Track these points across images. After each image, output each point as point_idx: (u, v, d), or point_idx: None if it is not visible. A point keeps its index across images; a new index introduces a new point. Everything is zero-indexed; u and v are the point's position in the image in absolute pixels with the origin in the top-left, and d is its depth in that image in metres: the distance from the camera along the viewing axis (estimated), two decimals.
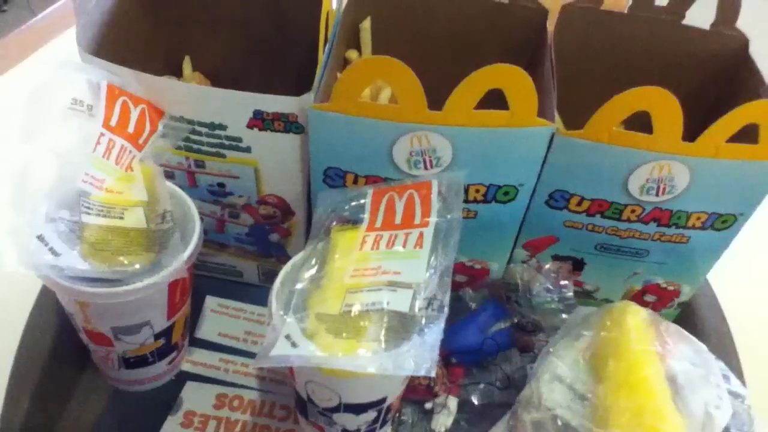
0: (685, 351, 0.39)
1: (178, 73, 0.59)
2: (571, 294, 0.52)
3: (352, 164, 0.46)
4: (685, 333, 0.41)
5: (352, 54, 0.55)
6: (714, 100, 0.53)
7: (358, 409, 0.43)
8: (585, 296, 0.55)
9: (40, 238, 0.39)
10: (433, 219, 0.41)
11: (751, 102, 0.41)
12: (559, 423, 0.36)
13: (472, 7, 0.54)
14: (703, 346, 0.40)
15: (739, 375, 0.52)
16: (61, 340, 0.51)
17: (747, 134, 0.42)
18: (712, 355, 0.40)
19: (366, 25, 0.55)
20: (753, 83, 0.50)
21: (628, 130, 0.43)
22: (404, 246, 0.41)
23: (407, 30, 0.55)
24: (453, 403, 0.51)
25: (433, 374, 0.34)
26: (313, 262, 0.43)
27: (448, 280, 0.39)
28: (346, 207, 0.45)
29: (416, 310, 0.38)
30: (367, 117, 0.43)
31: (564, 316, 0.49)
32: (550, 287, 0.52)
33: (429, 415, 0.51)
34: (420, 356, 0.35)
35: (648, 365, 0.36)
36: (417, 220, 0.42)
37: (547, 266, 0.52)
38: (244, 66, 0.59)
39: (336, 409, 0.43)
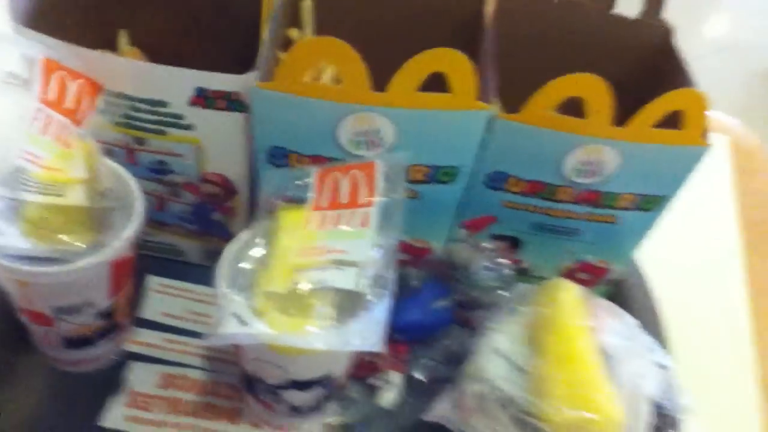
0: (614, 325, 0.41)
1: (112, 48, 0.57)
2: (508, 272, 0.54)
3: (296, 144, 0.47)
4: (616, 308, 0.44)
5: (293, 32, 0.55)
6: (641, 87, 0.55)
7: (305, 385, 0.44)
8: (522, 274, 0.57)
9: None
10: (377, 199, 0.42)
11: (675, 90, 0.44)
12: (499, 394, 0.37)
13: None
14: (632, 320, 0.43)
15: (666, 348, 0.56)
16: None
17: (673, 120, 0.45)
18: (640, 329, 0.43)
19: (307, 3, 0.55)
20: (676, 71, 0.52)
21: (564, 115, 0.45)
22: (349, 225, 0.42)
23: (350, 10, 0.55)
24: (398, 378, 0.52)
25: (381, 349, 0.35)
26: (259, 241, 0.44)
27: (393, 258, 0.40)
28: (292, 187, 0.45)
29: (362, 287, 0.39)
30: (312, 97, 0.43)
31: (502, 293, 0.51)
32: (489, 265, 0.54)
33: (375, 391, 0.52)
34: (367, 332, 0.36)
35: (581, 339, 0.39)
36: (362, 200, 0.43)
37: (486, 245, 0.54)
38: (182, 43, 0.57)
39: (283, 386, 0.44)
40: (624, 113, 0.45)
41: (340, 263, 0.40)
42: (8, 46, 0.42)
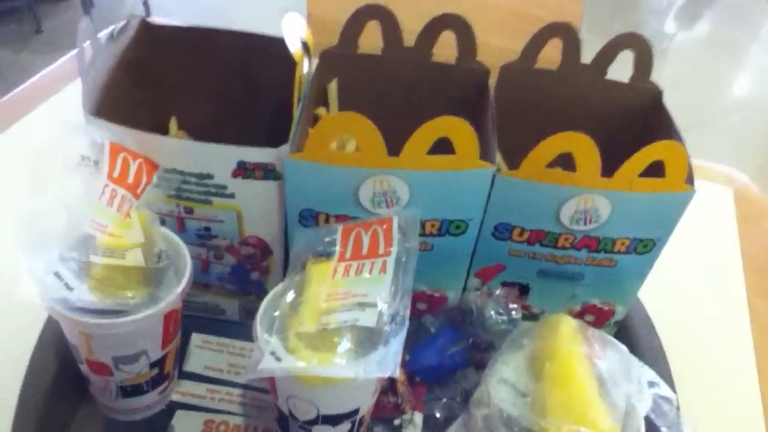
0: (608, 352, 0.46)
1: (163, 132, 0.65)
2: (519, 316, 0.59)
3: (323, 205, 0.53)
4: (608, 337, 0.48)
5: (321, 111, 0.63)
6: (634, 143, 0.61)
7: (334, 420, 0.49)
8: (532, 318, 0.62)
9: (57, 274, 0.44)
10: (394, 249, 0.48)
11: (656, 142, 0.50)
12: (505, 415, 0.42)
13: (424, 68, 0.62)
14: (623, 348, 0.48)
15: (670, 382, 0.59)
16: (60, 374, 0.55)
17: (660, 169, 0.51)
18: (632, 356, 0.47)
19: (333, 86, 0.63)
20: (665, 127, 0.58)
21: (560, 169, 0.51)
22: (370, 272, 0.48)
23: (369, 89, 0.63)
24: (419, 418, 0.57)
25: (397, 375, 0.41)
26: (292, 291, 0.50)
27: (408, 299, 0.45)
28: (320, 243, 0.52)
29: (382, 324, 0.44)
30: (336, 164, 0.50)
31: (513, 331, 0.56)
32: (501, 311, 0.59)
33: (397, 430, 0.56)
34: (385, 361, 0.42)
35: (577, 363, 0.43)
36: (381, 251, 0.49)
37: (497, 292, 0.59)
38: (220, 125, 0.66)
39: (315, 421, 0.49)
40: (619, 166, 0.50)
41: (362, 305, 0.45)
42: (81, 133, 0.50)
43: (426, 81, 0.63)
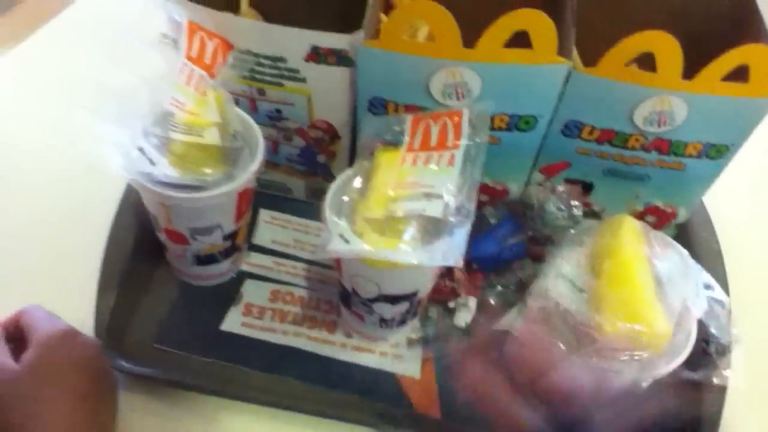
0: (669, 254, 0.47)
1: (235, 10, 0.65)
2: (580, 213, 0.59)
3: (393, 94, 0.54)
4: (670, 240, 0.49)
5: None
6: (720, 45, 0.59)
7: (394, 299, 0.52)
8: (593, 216, 0.62)
9: (141, 149, 0.47)
10: (463, 142, 0.49)
11: (742, 46, 0.47)
12: (561, 308, 0.44)
13: None
14: (684, 251, 0.48)
15: (725, 286, 0.60)
16: (140, 239, 0.60)
17: (743, 74, 0.49)
18: (692, 259, 0.48)
19: None
20: (755, 30, 0.55)
21: (638, 68, 0.50)
22: (438, 164, 0.48)
23: None
24: (473, 302, 0.59)
25: (460, 265, 0.43)
26: (360, 177, 0.51)
27: (475, 193, 0.47)
28: (389, 131, 0.52)
29: (447, 216, 0.46)
30: (409, 53, 0.50)
31: (572, 231, 0.57)
32: (562, 207, 0.59)
33: (452, 312, 0.59)
34: (449, 251, 0.44)
35: (635, 263, 0.44)
36: (449, 143, 0.49)
37: (560, 188, 0.60)
38: (293, 5, 0.65)
39: (376, 300, 0.52)
40: (702, 67, 0.48)
41: (429, 195, 0.47)
42: (160, 10, 0.50)
43: None
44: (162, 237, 0.56)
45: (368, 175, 0.51)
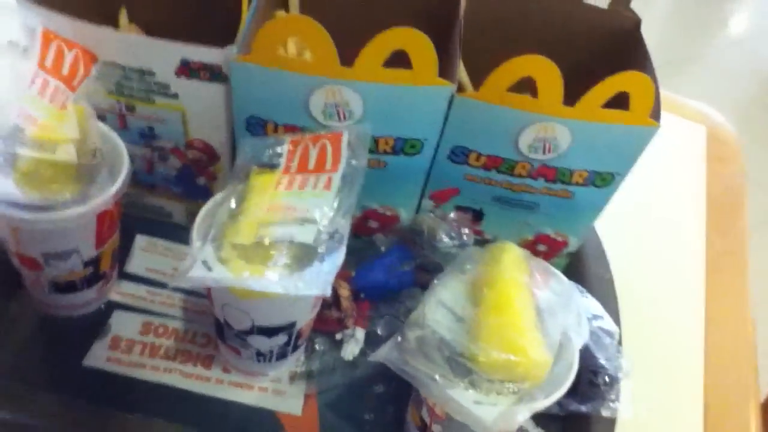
0: (550, 283, 0.45)
1: (111, 23, 0.61)
2: (470, 241, 0.58)
3: (272, 113, 0.51)
4: (551, 268, 0.47)
5: (281, 14, 0.59)
6: (605, 72, 0.59)
7: (269, 332, 0.48)
8: (484, 244, 0.61)
9: None
10: (341, 165, 0.46)
11: (622, 72, 0.47)
12: (437, 338, 0.42)
13: None
14: (566, 280, 0.47)
15: (616, 316, 0.60)
16: None
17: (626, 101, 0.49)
18: (574, 288, 0.47)
19: None
20: (639, 58, 0.55)
21: (529, 95, 0.49)
22: (314, 188, 0.46)
23: None
24: (360, 333, 0.56)
25: (328, 294, 0.40)
26: (232, 200, 0.48)
27: (350, 218, 0.44)
28: (266, 153, 0.49)
29: (319, 242, 0.43)
30: (285, 70, 0.47)
31: (458, 255, 0.55)
32: (452, 234, 0.58)
33: (339, 344, 0.56)
34: (318, 279, 0.41)
35: (516, 291, 0.43)
36: (328, 166, 0.47)
37: (451, 215, 0.58)
38: (175, 19, 0.61)
39: (250, 332, 0.48)
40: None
41: (302, 220, 0.44)
42: (10, 16, 0.46)
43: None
44: (15, 262, 0.51)
45: (241, 198, 0.48)
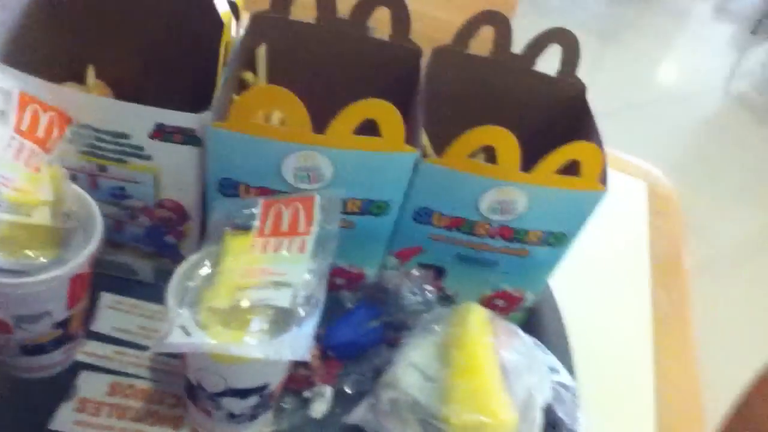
0: (514, 344, 0.48)
1: (79, 80, 0.62)
2: (433, 298, 0.60)
3: (245, 176, 0.52)
4: (516, 329, 0.50)
5: (248, 75, 0.61)
6: (557, 135, 0.63)
7: (243, 393, 0.49)
8: (446, 300, 0.63)
9: None
10: (314, 228, 0.48)
11: (572, 143, 0.51)
12: (411, 400, 0.43)
13: (356, 42, 0.61)
14: (530, 340, 0.50)
15: (571, 370, 0.62)
16: None
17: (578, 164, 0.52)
18: (537, 347, 0.49)
19: (261, 51, 0.61)
20: (586, 124, 0.60)
21: (482, 160, 0.52)
22: (289, 251, 0.47)
23: (298, 57, 0.62)
24: (329, 391, 0.57)
25: (308, 359, 0.41)
26: (208, 262, 0.49)
27: (325, 281, 0.46)
28: (239, 215, 0.51)
29: (296, 305, 0.44)
30: (260, 136, 0.49)
31: (426, 316, 0.57)
32: (416, 291, 0.60)
33: (307, 402, 0.57)
34: (297, 344, 0.42)
35: (482, 353, 0.45)
36: (301, 229, 0.49)
37: (414, 272, 0.60)
38: (144, 77, 0.63)
39: (223, 394, 0.49)
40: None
41: (278, 284, 0.45)
42: None
43: (357, 55, 0.62)
44: None
45: (216, 261, 0.49)
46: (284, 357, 0.42)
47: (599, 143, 0.55)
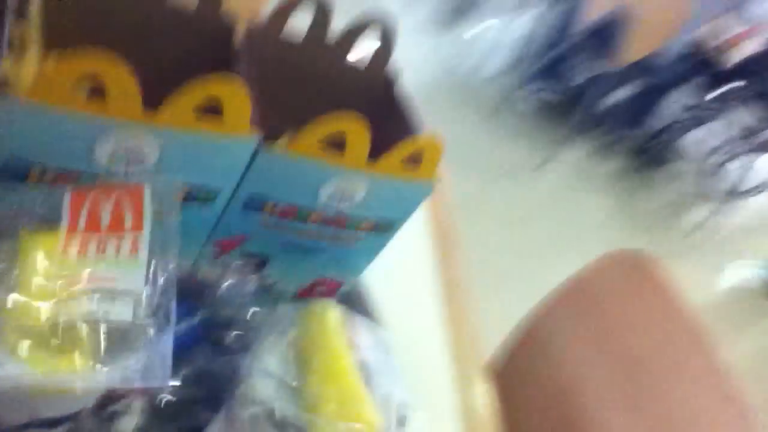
0: (371, 342, 0.46)
1: None
2: (253, 288, 0.56)
3: (42, 156, 0.42)
4: (373, 324, 0.49)
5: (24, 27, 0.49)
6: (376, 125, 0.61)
7: (52, 423, 0.40)
8: (265, 290, 0.59)
9: None
10: (147, 224, 0.41)
11: (415, 136, 0.50)
12: (276, 414, 0.39)
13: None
14: (385, 336, 0.49)
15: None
16: None
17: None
18: (388, 340, 0.49)
19: None
20: (404, 113, 0.59)
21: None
22: (118, 252, 0.39)
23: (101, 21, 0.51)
24: (137, 405, 0.50)
25: (168, 384, 0.35)
26: (2, 265, 0.39)
27: (173, 289, 0.39)
28: (36, 205, 0.41)
29: (140, 319, 0.37)
30: (70, 110, 0.40)
31: (255, 309, 0.52)
32: (237, 282, 0.55)
33: (113, 418, 0.49)
34: (152, 367, 0.35)
35: (345, 356, 0.43)
36: (128, 225, 0.41)
37: (236, 263, 0.55)
38: None
39: (27, 426, 0.39)
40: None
41: (113, 293, 0.38)
42: None
43: (161, 25, 0.54)
44: None
45: (13, 264, 0.39)
46: (139, 384, 0.35)
47: (413, 131, 0.55)
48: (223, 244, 0.54)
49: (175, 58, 0.52)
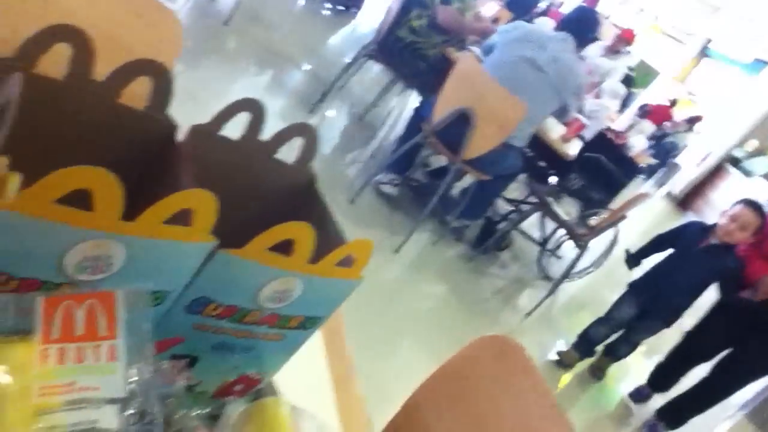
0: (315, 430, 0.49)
1: None
2: (181, 391, 0.56)
3: (9, 265, 0.42)
4: (310, 414, 0.52)
5: None
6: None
7: None
8: (189, 390, 0.60)
9: None
10: (121, 330, 0.42)
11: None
12: None
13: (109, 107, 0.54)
14: (325, 422, 0.52)
15: None
16: None
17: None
18: (332, 429, 0.52)
19: None
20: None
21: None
22: (96, 359, 0.40)
23: (44, 116, 0.52)
24: None
25: None
26: None
27: (156, 392, 0.40)
28: (6, 314, 0.41)
29: (126, 426, 0.38)
30: (44, 220, 0.41)
31: (184, 411, 0.53)
32: (166, 384, 0.55)
33: None
34: None
35: None
36: (102, 332, 0.42)
37: (165, 365, 0.56)
38: None
39: None
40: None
41: (97, 401, 0.38)
42: None
43: (107, 124, 0.56)
44: None
45: None
46: None
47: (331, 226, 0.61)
48: (159, 346, 0.55)
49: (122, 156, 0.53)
